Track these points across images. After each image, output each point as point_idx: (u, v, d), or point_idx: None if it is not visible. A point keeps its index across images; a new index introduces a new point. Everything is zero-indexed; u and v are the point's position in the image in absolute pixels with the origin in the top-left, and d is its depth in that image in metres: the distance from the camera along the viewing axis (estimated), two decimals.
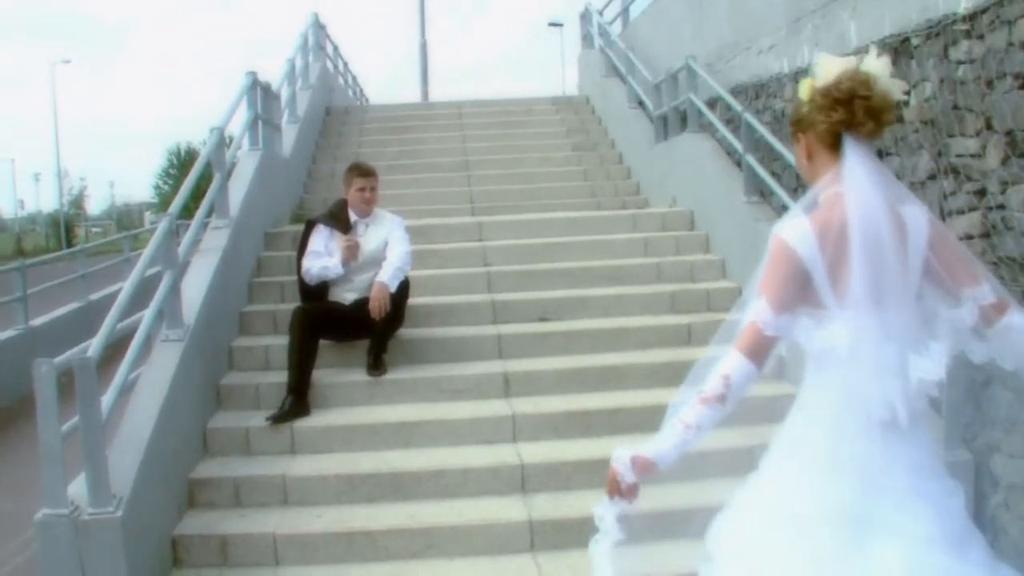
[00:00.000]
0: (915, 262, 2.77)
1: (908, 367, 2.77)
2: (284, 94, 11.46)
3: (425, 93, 24.64)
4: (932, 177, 5.70)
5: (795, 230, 2.77)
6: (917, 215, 2.80)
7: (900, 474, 2.73)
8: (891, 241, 2.70)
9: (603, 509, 2.91)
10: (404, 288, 7.09)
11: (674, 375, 4.71)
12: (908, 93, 6.00)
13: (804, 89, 2.91)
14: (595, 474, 5.61)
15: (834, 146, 2.83)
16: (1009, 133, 4.97)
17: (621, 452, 2.86)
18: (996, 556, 2.88)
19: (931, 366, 2.79)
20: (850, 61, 2.85)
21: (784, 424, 2.95)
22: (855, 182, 2.75)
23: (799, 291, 2.76)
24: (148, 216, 73.67)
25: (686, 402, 2.79)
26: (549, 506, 5.67)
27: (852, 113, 2.77)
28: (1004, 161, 5.03)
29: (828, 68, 2.85)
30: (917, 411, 2.80)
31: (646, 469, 2.82)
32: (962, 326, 2.82)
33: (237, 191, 8.50)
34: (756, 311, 2.77)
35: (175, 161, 71.68)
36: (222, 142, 8.12)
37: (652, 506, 3.33)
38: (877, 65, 2.83)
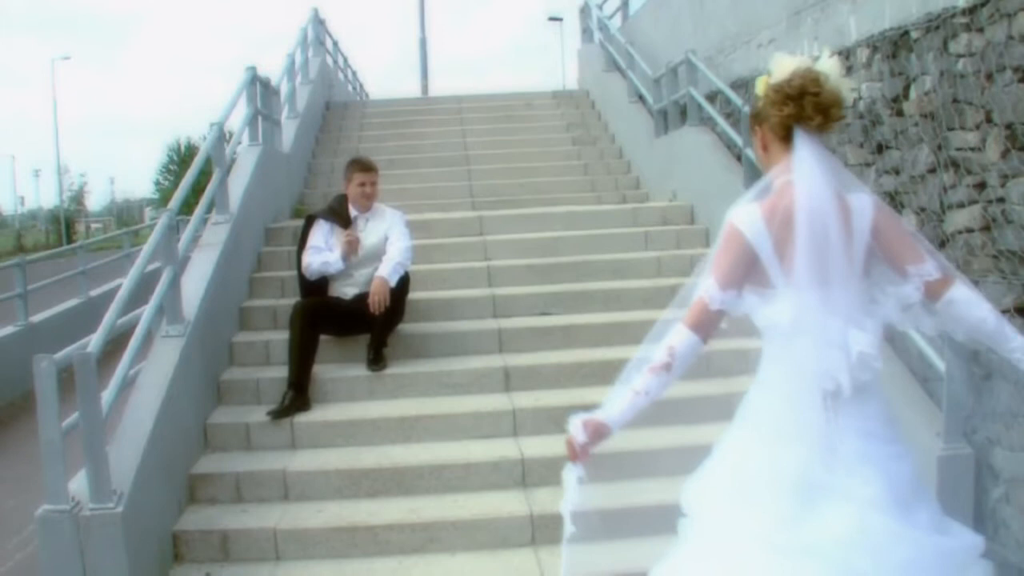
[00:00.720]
0: (859, 244, 3.00)
1: (852, 341, 2.97)
2: (284, 89, 11.47)
3: (425, 87, 24.66)
4: (932, 171, 5.70)
5: (746, 215, 3.04)
6: (862, 201, 3.03)
7: (849, 441, 2.96)
8: (836, 225, 2.93)
9: (566, 472, 3.14)
10: (404, 283, 7.10)
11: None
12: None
13: (760, 85, 3.16)
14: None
15: (786, 138, 3.08)
16: (1009, 126, 4.96)
17: (575, 417, 3.10)
18: (986, 536, 3.28)
19: (869, 340, 2.99)
20: (803, 60, 3.08)
21: (745, 396, 3.20)
22: (804, 171, 2.99)
23: (746, 271, 3.03)
24: (148, 212, 73.61)
25: (638, 369, 3.08)
26: (550, 500, 5.66)
27: (802, 108, 3.00)
28: (1004, 154, 5.02)
29: (782, 66, 3.09)
30: (862, 382, 2.99)
31: (598, 431, 3.08)
32: (910, 302, 3.05)
33: (237, 186, 8.50)
34: (704, 287, 3.05)
35: (175, 157, 71.67)
36: (222, 137, 8.11)
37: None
38: (828, 65, 3.07)
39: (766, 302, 3.04)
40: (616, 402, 3.10)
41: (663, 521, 3.41)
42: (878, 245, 3.04)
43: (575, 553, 3.20)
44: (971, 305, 3.06)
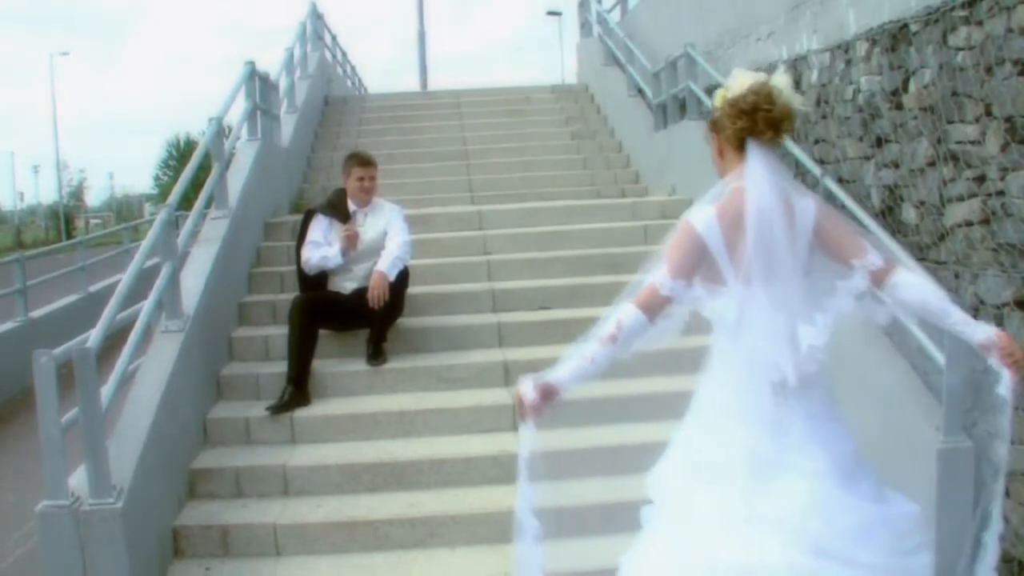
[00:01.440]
0: (802, 244, 3.30)
1: (798, 335, 3.31)
2: (283, 84, 11.46)
3: (424, 82, 24.60)
4: (932, 164, 5.70)
5: (701, 216, 3.33)
6: (806, 205, 3.32)
7: (796, 423, 3.28)
8: (782, 227, 3.23)
9: (521, 430, 3.46)
10: (404, 277, 7.09)
11: (674, 362, 4.81)
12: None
13: (718, 98, 3.45)
14: (597, 463, 5.69)
15: (740, 148, 3.36)
16: (1008, 119, 4.96)
17: (525, 377, 3.41)
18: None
19: (817, 334, 3.34)
20: (759, 76, 3.38)
21: (698, 385, 3.50)
22: (754, 179, 3.27)
23: (695, 264, 3.32)
24: (147, 207, 73.61)
25: (588, 342, 3.41)
26: (551, 496, 5.67)
27: (755, 123, 3.29)
28: (1004, 148, 5.02)
29: (739, 81, 3.38)
30: (808, 374, 3.31)
31: (547, 392, 3.38)
32: (857, 292, 3.34)
33: (236, 181, 8.50)
34: (656, 275, 3.35)
35: (175, 152, 71.70)
36: (221, 132, 8.11)
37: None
38: (781, 81, 3.37)
39: (717, 297, 3.34)
40: (565, 366, 3.41)
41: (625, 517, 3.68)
42: (823, 244, 3.34)
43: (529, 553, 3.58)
44: (914, 287, 3.36)
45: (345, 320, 7.12)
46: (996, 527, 3.81)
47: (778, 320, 3.27)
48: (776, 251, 3.24)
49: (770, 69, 7.82)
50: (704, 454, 3.37)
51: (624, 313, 3.38)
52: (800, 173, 7.45)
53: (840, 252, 3.36)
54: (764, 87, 3.34)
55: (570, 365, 3.42)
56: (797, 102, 3.39)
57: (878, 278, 3.33)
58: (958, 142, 5.42)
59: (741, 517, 3.18)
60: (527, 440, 3.44)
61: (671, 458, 3.51)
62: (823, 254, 3.37)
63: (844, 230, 3.42)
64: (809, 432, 3.28)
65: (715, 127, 3.50)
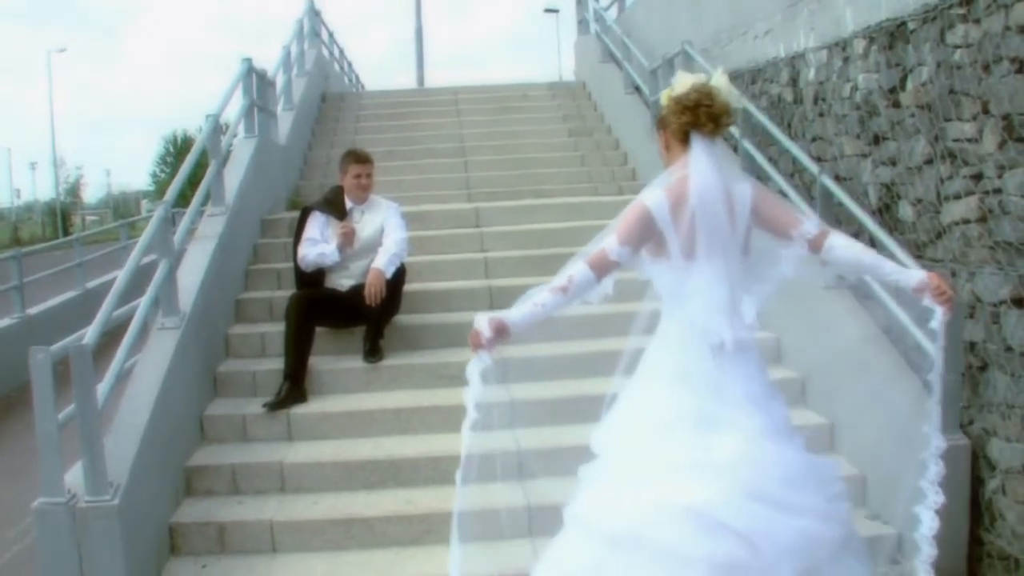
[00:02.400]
0: (741, 224, 3.73)
1: (737, 305, 3.75)
2: (280, 81, 11.47)
3: (421, 79, 24.63)
4: (929, 162, 5.70)
5: (652, 196, 3.74)
6: (744, 189, 3.76)
7: (735, 384, 3.68)
8: (722, 209, 3.67)
9: (471, 365, 3.87)
10: (400, 274, 7.10)
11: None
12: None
13: (664, 97, 3.87)
14: (593, 459, 5.70)
15: (684, 140, 3.78)
16: (1006, 117, 4.96)
17: (481, 315, 3.84)
18: None
19: (752, 305, 3.83)
20: (700, 77, 3.82)
21: (647, 349, 3.88)
22: (697, 167, 3.70)
23: (642, 235, 3.74)
24: (144, 204, 73.65)
25: (542, 289, 3.81)
26: (547, 491, 5.67)
27: (697, 117, 3.71)
28: (1001, 145, 5.02)
29: (682, 82, 3.82)
30: (744, 339, 3.73)
31: (500, 330, 3.80)
32: (799, 258, 3.79)
33: (233, 178, 8.50)
34: (606, 241, 3.75)
35: (172, 149, 71.67)
36: (218, 129, 8.10)
37: None
38: (720, 81, 3.79)
39: (665, 270, 3.77)
40: (519, 309, 3.84)
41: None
42: (762, 221, 3.79)
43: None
44: (847, 247, 3.82)
45: (342, 317, 7.12)
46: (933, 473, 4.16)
47: (717, 291, 3.70)
48: (717, 230, 3.68)
49: (768, 66, 7.87)
50: (652, 410, 3.73)
51: (576, 270, 3.78)
52: (798, 170, 7.46)
53: (778, 226, 3.81)
54: (705, 86, 3.77)
55: (523, 308, 3.84)
56: (734, 99, 3.83)
57: (815, 244, 3.77)
58: (955, 140, 5.43)
59: (686, 464, 3.57)
60: (475, 382, 3.91)
61: (624, 413, 3.85)
62: (764, 229, 3.82)
63: (780, 207, 3.91)
64: (745, 392, 3.69)
65: (662, 123, 3.93)
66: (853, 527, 3.84)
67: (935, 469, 4.10)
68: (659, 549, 3.48)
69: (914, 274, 3.88)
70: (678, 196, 3.69)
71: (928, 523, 4.07)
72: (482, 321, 3.82)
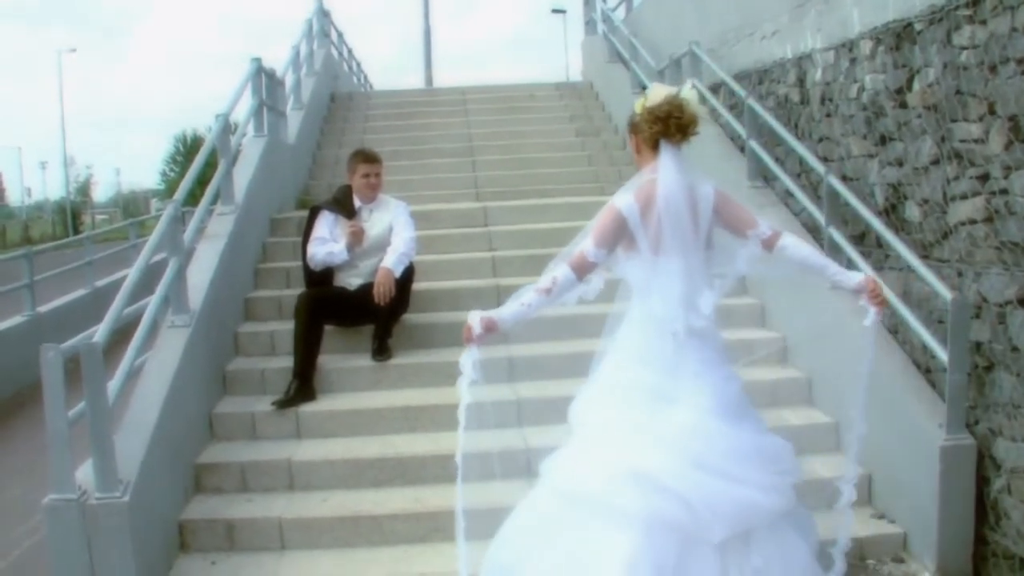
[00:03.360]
0: (703, 223, 4.15)
1: (695, 297, 4.14)
2: (289, 81, 11.49)
3: (429, 79, 24.64)
4: (935, 162, 5.71)
5: (623, 200, 4.16)
6: (707, 191, 4.18)
7: (690, 366, 4.09)
8: (686, 210, 4.09)
9: (463, 356, 4.26)
10: (409, 273, 7.13)
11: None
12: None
13: (638, 106, 4.26)
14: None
15: (654, 147, 4.19)
16: (1012, 118, 4.97)
17: (474, 313, 4.27)
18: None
19: (710, 297, 4.17)
20: (672, 90, 4.22)
21: (618, 332, 4.32)
22: (665, 172, 4.12)
23: (616, 237, 4.17)
24: (154, 203, 73.60)
25: (528, 289, 4.24)
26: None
27: (667, 127, 4.13)
28: (1007, 146, 5.03)
29: (656, 93, 4.22)
30: (699, 327, 4.14)
31: (490, 326, 4.22)
32: (753, 256, 4.22)
33: (242, 177, 8.52)
34: (584, 244, 4.20)
35: (181, 148, 71.73)
36: (227, 129, 8.14)
37: None
38: (690, 95, 4.20)
39: (636, 264, 4.19)
40: (507, 308, 4.25)
41: None
42: (723, 220, 4.22)
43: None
44: (796, 247, 4.27)
45: (351, 316, 7.15)
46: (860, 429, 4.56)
47: (678, 284, 4.12)
48: (680, 229, 4.09)
49: (775, 67, 7.89)
50: (619, 385, 4.19)
51: (559, 272, 4.21)
52: (804, 170, 7.46)
53: (737, 225, 4.24)
54: (676, 99, 4.17)
55: (511, 307, 4.26)
56: (701, 112, 4.24)
57: (769, 243, 4.22)
58: (962, 140, 5.43)
59: (638, 433, 4.01)
60: (467, 369, 4.27)
61: (594, 386, 4.31)
62: (724, 228, 4.25)
63: (739, 208, 4.30)
64: (699, 373, 4.10)
65: (635, 129, 4.33)
66: (801, 507, 4.26)
67: (856, 447, 4.52)
68: (604, 505, 3.93)
69: (854, 276, 4.39)
70: (647, 198, 4.12)
71: (847, 495, 4.54)
72: (474, 317, 4.25)
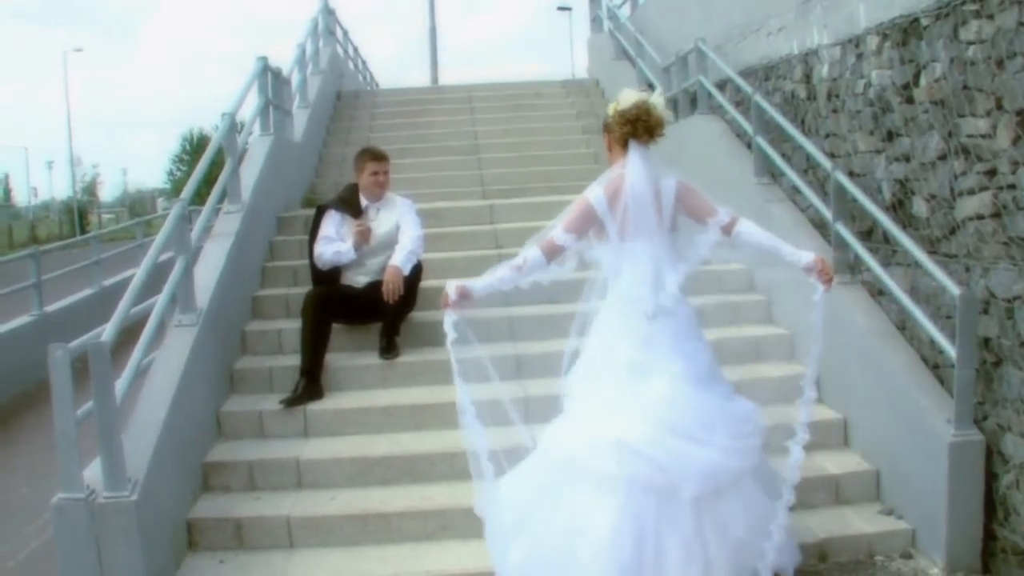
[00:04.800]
0: (667, 212, 4.70)
1: (661, 278, 4.65)
2: (295, 79, 11.52)
3: (435, 77, 24.65)
4: (942, 157, 5.70)
5: (594, 192, 4.73)
6: (670, 184, 4.73)
7: (664, 340, 4.61)
8: (650, 201, 4.65)
9: (445, 320, 4.76)
10: (417, 271, 7.14)
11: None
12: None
13: (611, 108, 4.83)
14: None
15: (624, 145, 4.76)
16: (1020, 113, 4.96)
17: (450, 282, 4.74)
18: None
19: (675, 278, 4.67)
20: (642, 95, 4.78)
21: (598, 313, 4.83)
22: (632, 169, 4.69)
23: (585, 225, 4.73)
24: (160, 202, 73.78)
25: (503, 265, 4.78)
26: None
27: (636, 129, 4.70)
28: (1015, 141, 5.02)
29: (627, 97, 4.76)
30: (668, 306, 4.64)
31: (464, 293, 4.72)
32: (713, 242, 4.73)
33: (249, 176, 8.54)
34: (555, 230, 4.75)
35: (188, 147, 71.82)
36: (233, 128, 8.14)
37: None
38: (657, 100, 4.76)
39: (607, 249, 4.73)
40: (481, 280, 4.76)
41: None
42: (685, 209, 4.77)
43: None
44: (751, 233, 4.77)
45: (358, 314, 7.16)
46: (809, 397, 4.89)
47: (646, 267, 4.65)
48: (645, 218, 4.64)
49: (781, 63, 7.88)
50: (596, 362, 4.73)
51: (530, 252, 4.74)
52: (811, 166, 7.45)
53: (698, 213, 4.77)
54: (645, 104, 4.72)
55: (485, 279, 4.77)
56: (667, 116, 4.83)
57: (727, 230, 4.74)
58: (969, 136, 5.42)
59: (618, 404, 4.52)
60: (450, 329, 4.76)
61: (579, 366, 4.82)
62: (686, 216, 4.78)
63: (699, 199, 4.80)
64: (671, 345, 4.61)
65: (607, 129, 4.91)
66: (765, 463, 4.81)
67: (805, 410, 4.82)
68: (590, 471, 4.46)
69: (804, 256, 4.77)
70: (615, 190, 4.69)
71: (796, 455, 4.78)
72: (450, 286, 4.74)
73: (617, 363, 4.62)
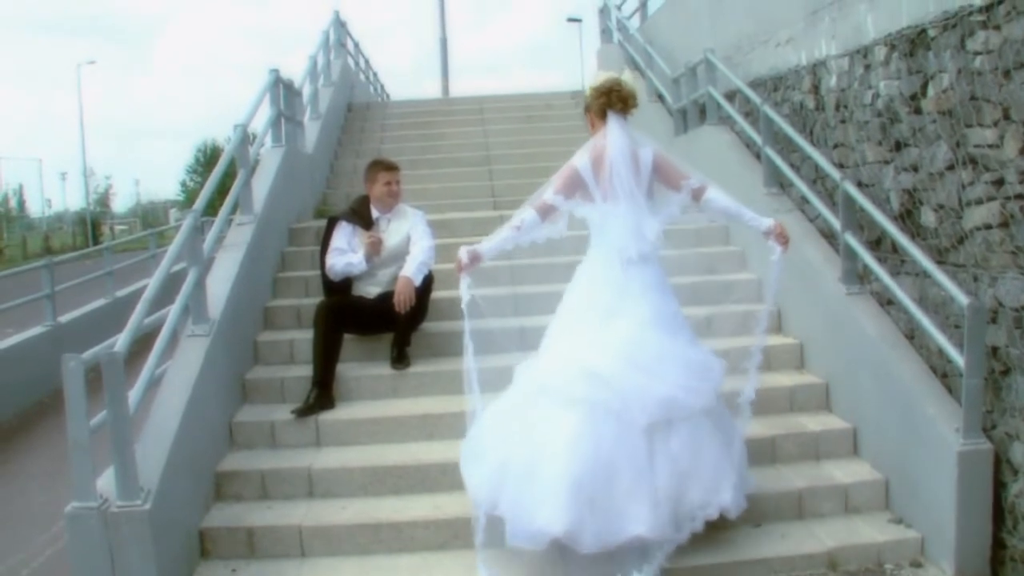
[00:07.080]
0: (644, 177, 5.33)
1: (642, 230, 5.26)
2: (306, 91, 11.56)
3: (445, 88, 24.69)
4: (950, 167, 5.72)
5: (580, 159, 5.34)
6: (647, 152, 5.36)
7: (634, 287, 5.22)
8: (629, 165, 5.27)
9: (461, 282, 5.46)
10: (428, 282, 7.16)
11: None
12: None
13: (588, 89, 5.49)
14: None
15: (603, 117, 5.42)
16: None
17: (462, 248, 5.41)
18: None
19: (653, 228, 5.30)
20: (611, 73, 5.49)
21: (579, 265, 5.51)
22: (612, 136, 5.33)
23: (572, 187, 5.34)
24: (173, 213, 73.92)
25: (504, 228, 5.42)
26: None
27: (610, 99, 5.37)
28: (1022, 151, 5.03)
29: (599, 76, 5.48)
30: (645, 253, 5.27)
31: (474, 256, 5.40)
32: (684, 204, 5.40)
33: (261, 187, 8.58)
34: (547, 192, 5.35)
35: (201, 158, 72.05)
36: (245, 139, 8.18)
37: None
38: (627, 76, 5.49)
39: (592, 209, 5.34)
40: (487, 243, 5.42)
41: None
42: (660, 175, 5.39)
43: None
44: (718, 199, 5.45)
45: (370, 325, 7.19)
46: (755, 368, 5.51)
47: (627, 221, 5.24)
48: (625, 181, 5.24)
49: (790, 74, 7.90)
50: (577, 304, 5.37)
51: (526, 213, 5.35)
52: (820, 177, 7.47)
53: (672, 179, 5.41)
54: (615, 78, 5.42)
55: (490, 241, 5.42)
56: (637, 87, 5.52)
57: (697, 194, 5.41)
58: (976, 146, 5.44)
59: (593, 343, 5.12)
60: (464, 290, 5.44)
61: (559, 311, 5.46)
62: (662, 183, 5.41)
63: (673, 167, 5.44)
64: (641, 293, 5.22)
65: (587, 107, 5.54)
66: (724, 412, 5.36)
67: (758, 357, 5.51)
68: (558, 393, 5.06)
69: (764, 221, 5.46)
70: (598, 157, 5.30)
71: (748, 392, 5.44)
72: (463, 251, 5.38)
73: (592, 307, 5.25)
